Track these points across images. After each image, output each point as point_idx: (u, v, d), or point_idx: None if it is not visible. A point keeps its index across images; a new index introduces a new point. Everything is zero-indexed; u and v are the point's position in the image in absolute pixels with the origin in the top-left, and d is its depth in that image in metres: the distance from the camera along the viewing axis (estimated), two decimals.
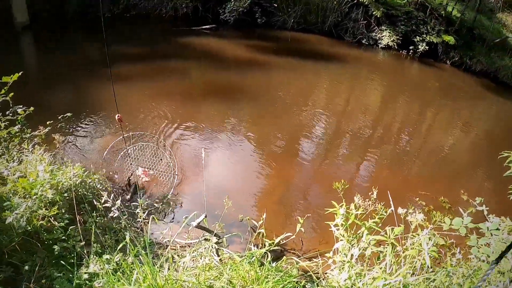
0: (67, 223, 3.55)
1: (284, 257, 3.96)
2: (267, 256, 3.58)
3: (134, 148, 5.75)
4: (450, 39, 14.29)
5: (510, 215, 3.15)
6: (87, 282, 3.04)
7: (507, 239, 2.86)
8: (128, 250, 3.18)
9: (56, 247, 3.28)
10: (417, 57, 14.51)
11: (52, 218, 3.45)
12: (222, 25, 14.03)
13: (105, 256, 3.24)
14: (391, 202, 3.36)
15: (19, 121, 4.61)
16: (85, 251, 3.30)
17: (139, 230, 4.46)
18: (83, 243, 3.39)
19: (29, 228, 3.27)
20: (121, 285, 2.90)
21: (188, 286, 2.97)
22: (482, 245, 2.91)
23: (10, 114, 4.60)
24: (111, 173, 5.59)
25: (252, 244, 4.46)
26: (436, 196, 6.34)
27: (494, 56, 14.50)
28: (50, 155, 4.64)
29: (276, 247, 3.95)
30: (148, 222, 4.22)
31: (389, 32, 14.56)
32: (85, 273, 3.07)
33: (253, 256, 3.49)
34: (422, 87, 12.58)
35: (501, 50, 14.82)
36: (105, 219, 4.04)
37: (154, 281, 2.84)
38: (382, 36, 14.70)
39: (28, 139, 4.63)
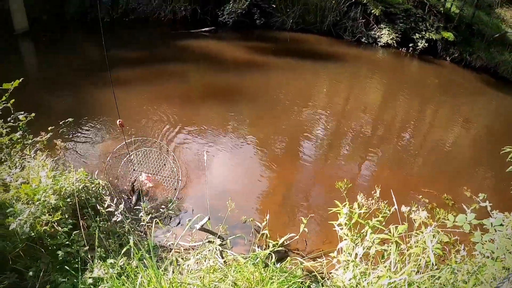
0: (71, 228, 3.55)
1: (288, 257, 3.96)
2: (271, 257, 3.57)
3: (137, 153, 5.72)
4: (449, 35, 14.28)
5: None
6: (91, 286, 3.04)
7: (511, 235, 2.85)
8: (132, 254, 3.18)
9: (60, 252, 3.29)
10: (416, 54, 14.50)
11: (56, 223, 3.45)
12: (221, 27, 14.04)
13: (109, 261, 3.25)
14: (394, 200, 3.35)
15: (20, 127, 4.62)
16: (89, 256, 3.30)
17: (142, 234, 4.46)
18: (87, 248, 3.39)
19: (33, 234, 3.27)
20: None
21: None
22: (486, 241, 2.90)
23: (12, 121, 4.61)
24: (113, 178, 5.58)
25: (256, 245, 4.45)
26: (439, 193, 6.34)
27: (493, 51, 14.48)
28: (52, 160, 4.64)
29: (280, 248, 3.95)
30: (152, 226, 4.22)
31: (388, 30, 14.56)
32: (90, 277, 3.07)
33: (257, 258, 3.49)
34: (422, 84, 12.57)
35: (500, 45, 14.80)
36: (109, 223, 4.04)
37: (158, 284, 2.84)
38: (381, 34, 14.69)
39: (30, 145, 4.64)
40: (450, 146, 8.66)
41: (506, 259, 2.71)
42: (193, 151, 6.74)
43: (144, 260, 3.05)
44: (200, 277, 3.13)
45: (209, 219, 4.00)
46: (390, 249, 3.19)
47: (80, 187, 4.12)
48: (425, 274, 2.91)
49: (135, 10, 13.64)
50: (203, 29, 13.65)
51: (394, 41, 14.47)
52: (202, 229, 4.03)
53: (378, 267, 3.11)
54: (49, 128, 4.97)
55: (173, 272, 3.16)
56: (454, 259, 3.17)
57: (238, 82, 10.14)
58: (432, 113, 10.67)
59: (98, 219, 3.86)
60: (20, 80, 4.51)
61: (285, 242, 4.33)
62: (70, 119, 5.47)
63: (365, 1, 14.53)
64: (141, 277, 2.92)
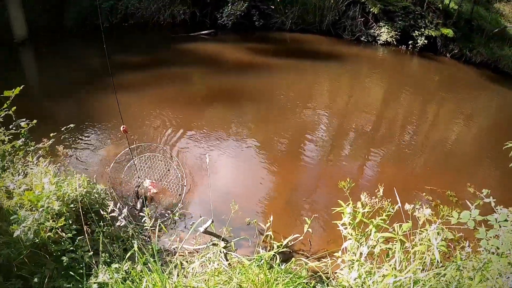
0: (75, 234, 3.56)
1: (293, 258, 3.95)
2: (276, 259, 3.57)
3: (141, 159, 5.69)
4: (448, 31, 14.25)
5: None
6: None
7: None
8: (136, 259, 3.18)
9: (64, 258, 3.29)
10: (416, 51, 14.47)
11: (60, 229, 3.46)
12: (220, 30, 14.06)
13: (114, 265, 3.25)
14: (398, 199, 3.34)
15: (22, 134, 4.64)
16: (93, 261, 3.31)
17: (147, 238, 4.47)
18: (91, 253, 3.40)
19: (37, 240, 3.28)
20: None
21: None
22: (491, 237, 2.89)
23: (14, 128, 4.63)
24: (117, 184, 5.58)
25: (260, 247, 4.45)
26: (443, 190, 6.32)
27: (493, 47, 14.43)
28: (55, 167, 4.65)
29: (285, 249, 3.94)
30: (156, 231, 4.22)
31: (388, 28, 14.54)
32: (95, 283, 3.08)
33: (261, 259, 3.48)
34: (423, 81, 12.54)
35: (500, 40, 14.75)
36: (113, 228, 4.04)
37: None
38: (380, 33, 14.68)
39: (32, 152, 4.65)
40: (452, 142, 8.63)
41: (511, 255, 2.70)
42: (196, 155, 6.75)
43: (148, 264, 3.05)
44: (205, 280, 3.13)
45: (212, 221, 4.00)
46: (395, 248, 3.18)
47: (83, 193, 4.13)
48: (430, 271, 2.90)
49: (134, 15, 13.68)
50: (203, 32, 13.67)
51: (393, 39, 14.45)
52: (206, 231, 4.02)
53: (383, 266, 3.10)
54: (51, 135, 4.99)
55: (177, 275, 3.16)
56: (459, 256, 3.15)
57: (239, 84, 10.15)
58: (434, 110, 10.64)
59: (102, 224, 3.86)
60: (21, 88, 4.53)
61: (289, 243, 4.32)
62: (71, 125, 5.48)
63: (363, 0, 14.53)
64: (146, 281, 2.92)
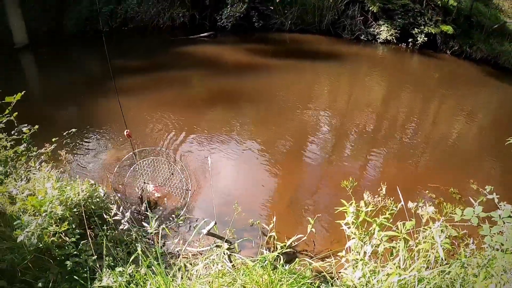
0: (78, 238, 3.57)
1: (297, 259, 3.93)
2: (280, 259, 3.56)
3: (144, 163, 5.67)
4: (448, 28, 14.23)
5: None
6: None
7: None
8: (140, 262, 3.18)
9: (68, 262, 3.30)
10: (416, 49, 14.46)
11: (63, 234, 3.47)
12: (220, 32, 14.08)
13: (118, 269, 3.25)
14: (401, 197, 3.33)
15: (24, 140, 4.65)
16: (97, 265, 3.31)
17: (150, 241, 4.47)
18: (95, 257, 3.40)
19: (41, 245, 3.28)
20: None
21: None
22: (495, 233, 2.88)
23: (15, 134, 4.64)
24: (121, 188, 5.59)
25: (264, 248, 4.44)
26: (446, 187, 6.30)
27: (493, 42, 14.39)
28: (58, 171, 4.66)
29: (288, 250, 3.93)
30: (159, 234, 4.22)
31: (387, 27, 14.53)
32: (99, 287, 3.08)
33: (265, 260, 3.47)
34: (423, 79, 12.53)
35: (500, 36, 14.70)
36: (116, 232, 4.04)
37: None
38: (380, 31, 14.67)
39: (34, 157, 4.67)
40: (454, 139, 8.61)
41: None
42: (198, 157, 6.75)
43: (152, 267, 3.05)
44: (209, 282, 3.13)
45: (215, 223, 4.00)
46: (399, 246, 3.17)
47: (86, 197, 4.14)
48: (434, 269, 2.89)
49: (134, 19, 13.72)
50: (202, 35, 13.70)
51: (393, 37, 14.44)
52: (209, 233, 4.02)
53: (387, 264, 3.10)
54: (53, 140, 5.00)
55: (181, 278, 3.15)
56: (463, 253, 3.14)
57: (240, 86, 10.16)
58: (435, 107, 10.62)
59: (105, 227, 3.87)
60: (22, 93, 4.55)
61: (293, 243, 4.32)
62: (73, 130, 5.50)
63: None
64: (150, 284, 2.92)
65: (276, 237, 4.21)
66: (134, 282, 3.12)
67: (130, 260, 3.28)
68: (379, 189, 3.58)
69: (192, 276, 3.30)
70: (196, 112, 8.47)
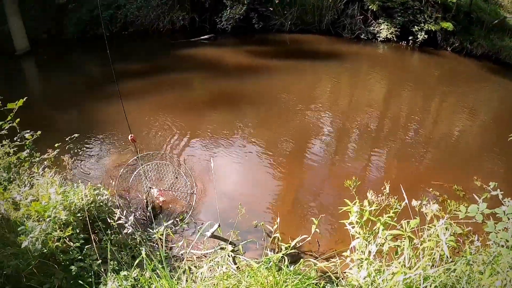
0: (83, 243, 3.57)
1: (302, 259, 3.93)
2: (284, 260, 3.55)
3: (149, 167, 5.64)
4: (448, 25, 14.18)
5: None
6: None
7: None
8: (145, 265, 3.18)
9: (73, 267, 3.30)
10: (417, 46, 14.41)
11: (67, 239, 3.47)
12: (220, 34, 14.09)
13: (123, 273, 3.25)
14: (405, 195, 3.32)
15: (27, 146, 4.66)
16: (102, 269, 3.31)
17: (155, 244, 4.47)
18: (99, 261, 3.41)
19: (45, 250, 3.29)
20: None
21: None
22: (500, 230, 2.87)
23: (18, 140, 4.66)
24: (125, 192, 5.59)
25: (268, 249, 4.43)
26: (449, 184, 6.27)
27: (494, 38, 14.33)
28: (61, 177, 4.67)
29: (293, 250, 3.92)
30: (163, 238, 4.22)
31: (387, 25, 14.50)
32: None
33: (270, 261, 3.47)
34: (424, 76, 12.49)
35: (500, 31, 14.64)
36: (120, 236, 4.05)
37: None
38: (380, 30, 14.64)
39: (37, 162, 4.68)
40: (457, 136, 8.59)
41: None
42: (200, 160, 6.75)
43: (157, 270, 3.05)
44: (214, 284, 3.12)
45: (219, 226, 4.00)
46: (403, 245, 3.16)
47: (90, 201, 4.15)
48: (440, 267, 2.87)
49: (134, 23, 13.75)
50: (203, 37, 13.71)
51: (393, 35, 14.40)
52: (213, 236, 4.02)
53: (392, 263, 3.08)
54: (56, 145, 5.02)
55: (186, 280, 3.15)
56: (468, 251, 3.13)
57: (241, 87, 10.16)
58: (437, 104, 10.59)
59: (110, 232, 3.87)
60: (24, 99, 4.56)
61: (297, 244, 4.31)
62: (76, 135, 5.51)
63: None
64: None
65: (280, 238, 4.20)
66: (139, 286, 3.12)
67: (135, 264, 3.28)
68: (382, 188, 3.57)
69: (197, 278, 3.30)
70: (198, 114, 8.47)
